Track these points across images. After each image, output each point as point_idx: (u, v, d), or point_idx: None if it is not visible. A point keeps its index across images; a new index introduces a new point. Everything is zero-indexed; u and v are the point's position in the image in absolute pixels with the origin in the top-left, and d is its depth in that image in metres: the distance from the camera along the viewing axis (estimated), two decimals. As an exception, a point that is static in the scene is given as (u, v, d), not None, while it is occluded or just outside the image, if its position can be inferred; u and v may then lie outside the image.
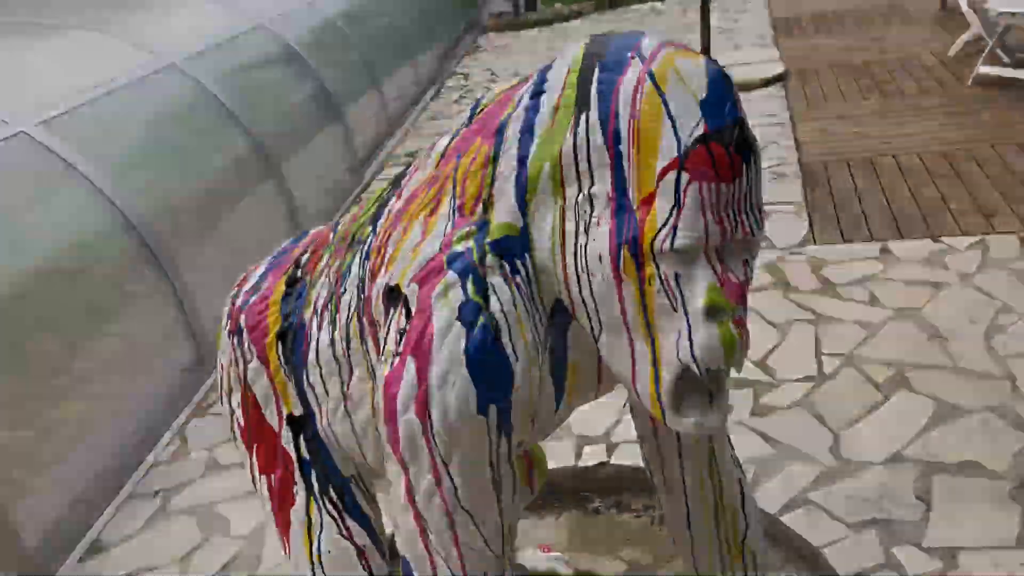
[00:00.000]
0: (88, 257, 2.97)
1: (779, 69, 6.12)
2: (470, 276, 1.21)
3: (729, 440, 1.74)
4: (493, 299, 1.21)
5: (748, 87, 5.90)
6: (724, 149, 1.11)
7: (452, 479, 1.27)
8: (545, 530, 2.36)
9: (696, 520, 1.74)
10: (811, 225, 3.75)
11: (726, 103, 1.13)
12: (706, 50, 6.26)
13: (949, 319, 2.88)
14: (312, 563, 1.59)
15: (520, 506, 1.43)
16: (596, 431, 2.60)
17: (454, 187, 1.29)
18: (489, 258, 1.22)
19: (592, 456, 2.50)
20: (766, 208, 3.66)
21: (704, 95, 1.13)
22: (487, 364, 1.20)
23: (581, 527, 2.35)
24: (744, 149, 1.13)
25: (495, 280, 1.22)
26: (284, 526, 1.62)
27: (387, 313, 1.30)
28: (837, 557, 2.01)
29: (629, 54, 1.17)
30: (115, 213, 3.02)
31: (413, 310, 1.24)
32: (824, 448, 2.38)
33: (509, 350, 1.21)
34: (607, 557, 2.22)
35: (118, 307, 3.00)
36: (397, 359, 1.24)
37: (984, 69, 5.20)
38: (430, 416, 1.22)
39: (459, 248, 1.24)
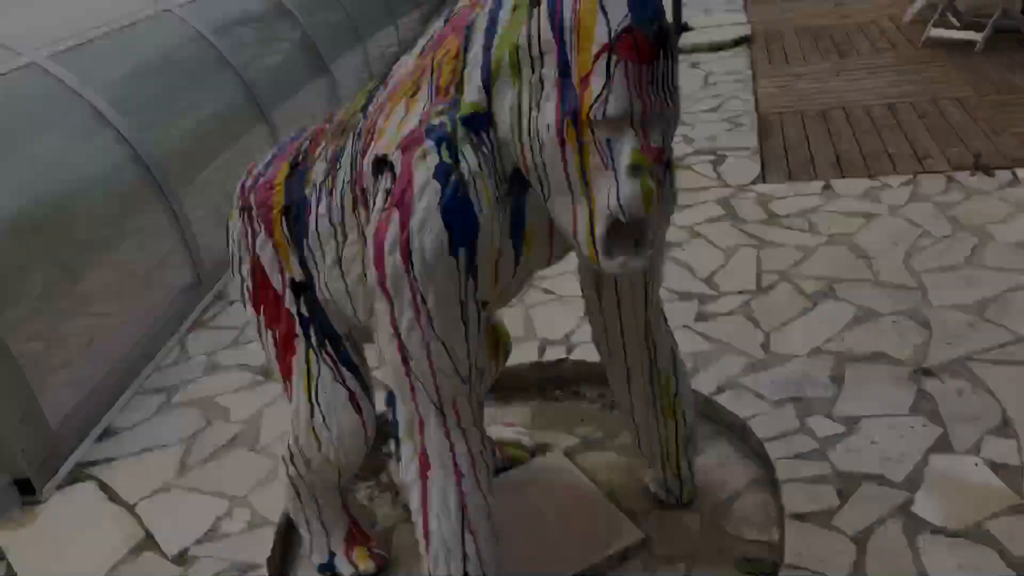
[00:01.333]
0: (97, 185, 3.23)
1: (746, 32, 6.42)
2: (444, 143, 1.51)
3: (665, 319, 2.05)
4: (462, 162, 1.51)
5: (719, 48, 6.22)
6: (645, 37, 1.40)
7: (428, 312, 1.57)
8: (512, 414, 2.68)
9: (635, 381, 2.06)
10: (763, 167, 4.07)
11: (649, 2, 1.42)
12: (677, 12, 6.56)
13: (876, 243, 3.21)
14: (311, 404, 1.89)
15: (484, 347, 1.70)
16: (557, 335, 2.91)
17: (431, 74, 1.59)
18: (460, 130, 1.52)
19: (553, 355, 2.81)
20: (724, 152, 4.02)
21: (630, -7, 1.42)
22: (457, 213, 1.50)
23: (543, 411, 2.67)
24: (661, 39, 1.42)
25: (464, 147, 1.52)
26: (287, 373, 1.93)
27: (376, 180, 1.60)
28: (759, 426, 2.34)
29: (566, -37, 1.46)
30: (122, 144, 3.27)
31: (397, 173, 1.53)
32: (756, 345, 2.71)
33: (475, 203, 1.51)
34: (564, 433, 2.54)
35: (125, 232, 3.27)
36: (384, 213, 1.54)
37: (935, 32, 5.53)
38: (411, 257, 1.52)
39: (435, 122, 1.53)
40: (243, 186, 1.91)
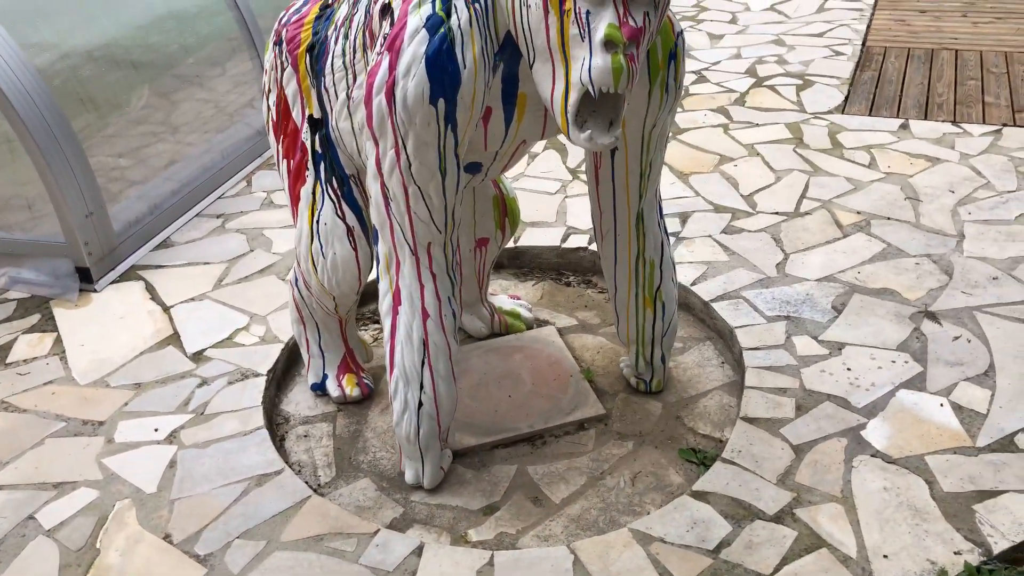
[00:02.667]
0: (203, 29, 3.45)
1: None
2: (436, -4, 1.61)
3: (661, 213, 2.12)
4: (453, 17, 1.60)
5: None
6: (628, -87, 1.44)
7: (408, 155, 1.70)
8: (522, 290, 2.82)
9: (620, 266, 2.16)
10: (846, 98, 3.94)
11: None
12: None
13: (931, 186, 3.13)
14: (311, 231, 2.08)
15: (464, 202, 1.82)
16: (584, 225, 3.00)
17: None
18: (455, -16, 1.61)
19: (575, 243, 2.91)
20: (813, 78, 3.91)
21: None
22: (440, 65, 1.60)
23: (551, 292, 2.80)
24: None
25: (458, 3, 1.61)
26: (295, 200, 2.11)
27: (381, 25, 1.71)
28: (745, 336, 2.40)
29: None
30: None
31: (395, 19, 1.64)
32: (771, 264, 2.73)
33: (459, 58, 1.61)
34: (564, 315, 2.67)
35: (219, 73, 3.50)
36: (378, 56, 1.66)
37: (1086, -17, 5.09)
38: (394, 99, 1.64)
39: (431, -25, 1.62)
40: (280, 21, 2.06)
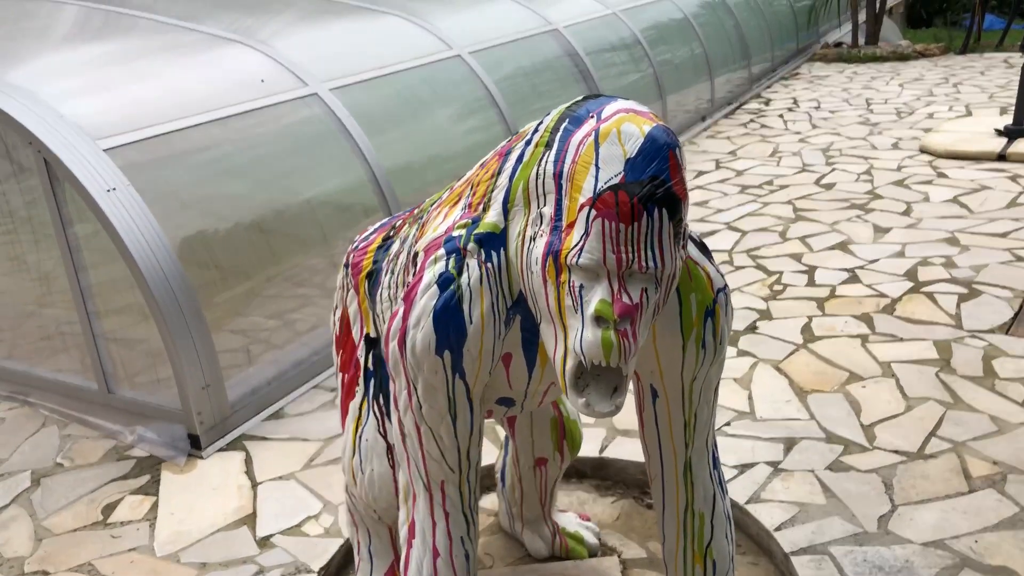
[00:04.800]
0: (342, 199, 3.78)
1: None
2: (454, 255, 1.65)
3: (716, 458, 1.98)
4: (464, 275, 1.64)
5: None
6: (629, 198, 1.42)
7: (419, 397, 1.72)
8: (600, 506, 2.69)
9: (668, 513, 2.02)
10: (1015, 316, 3.55)
11: (648, 165, 1.44)
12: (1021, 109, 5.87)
13: (1095, 440, 2.69)
14: (354, 445, 2.12)
15: (479, 443, 1.80)
16: (678, 441, 2.85)
17: (471, 189, 1.73)
18: (471, 245, 1.65)
19: (664, 460, 2.76)
20: (981, 287, 3.59)
21: (632, 155, 1.45)
22: (446, 320, 1.63)
23: (630, 514, 2.65)
24: (651, 203, 1.43)
25: (471, 262, 1.64)
26: (344, 413, 2.18)
27: (408, 271, 1.78)
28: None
29: (591, 113, 1.52)
30: (366, 168, 3.78)
31: (416, 270, 1.70)
32: (874, 516, 2.44)
33: (466, 314, 1.63)
34: (636, 544, 2.51)
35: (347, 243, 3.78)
36: (399, 303, 1.72)
37: None
38: (405, 347, 1.68)
39: (455, 233, 1.67)
40: (352, 246, 2.19)
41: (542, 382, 1.86)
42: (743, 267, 4.34)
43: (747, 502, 2.55)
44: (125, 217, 2.83)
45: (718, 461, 2.02)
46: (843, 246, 4.50)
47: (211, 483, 2.85)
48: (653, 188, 1.43)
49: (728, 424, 2.97)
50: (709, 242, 4.70)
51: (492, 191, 1.68)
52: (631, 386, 1.95)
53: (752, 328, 3.67)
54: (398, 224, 2.12)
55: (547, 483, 2.41)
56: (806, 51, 10.61)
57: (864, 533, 2.38)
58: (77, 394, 3.33)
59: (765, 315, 3.78)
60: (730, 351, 3.48)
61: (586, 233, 1.46)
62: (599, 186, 1.44)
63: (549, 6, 5.93)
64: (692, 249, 1.77)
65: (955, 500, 2.48)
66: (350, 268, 2.14)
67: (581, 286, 1.48)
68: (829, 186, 5.54)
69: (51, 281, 3.24)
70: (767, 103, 8.15)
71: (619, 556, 2.45)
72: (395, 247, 2.03)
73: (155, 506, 2.76)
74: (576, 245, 1.47)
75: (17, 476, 2.99)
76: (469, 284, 1.64)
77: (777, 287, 4.07)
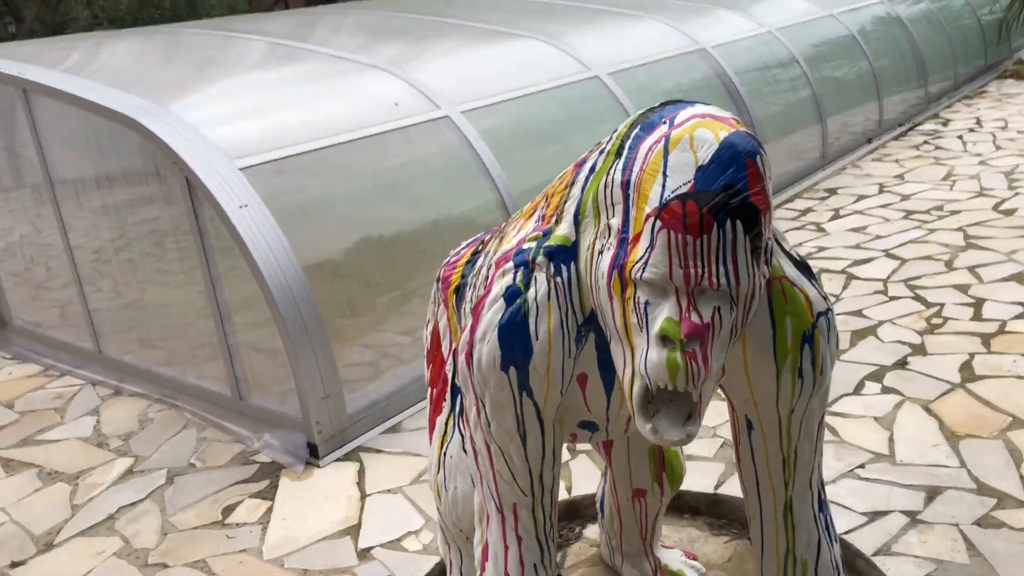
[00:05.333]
0: (470, 220, 3.80)
1: None
2: (522, 269, 1.59)
3: (823, 500, 1.80)
4: (531, 289, 1.57)
5: None
6: (698, 208, 1.31)
7: (487, 415, 1.66)
8: (711, 545, 2.52)
9: (767, 557, 1.85)
10: None
11: (722, 173, 1.32)
12: None
13: None
14: (439, 462, 2.09)
15: (554, 466, 1.70)
16: (802, 481, 2.63)
17: (545, 201, 1.66)
18: (540, 259, 1.58)
19: (785, 501, 2.55)
20: None
21: (704, 162, 1.33)
22: (511, 335, 1.57)
23: (742, 556, 2.46)
24: (723, 214, 1.31)
25: (539, 276, 1.57)
26: (431, 429, 2.15)
27: (480, 287, 1.74)
28: None
29: (664, 119, 1.42)
30: (495, 192, 3.80)
31: (488, 284, 1.65)
32: (1024, 581, 2.13)
33: (532, 330, 1.56)
34: (744, 588, 2.32)
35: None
36: (469, 316, 1.67)
37: None
38: (472, 362, 1.63)
39: (525, 247, 1.61)
40: (446, 260, 2.18)
41: (623, 406, 1.75)
42: (898, 297, 3.99)
43: (875, 554, 2.31)
44: (255, 233, 2.97)
45: (825, 504, 1.83)
46: (1019, 277, 4.04)
47: (323, 492, 2.92)
48: (726, 198, 1.31)
49: (862, 467, 2.71)
50: (863, 271, 4.36)
51: (565, 203, 1.61)
52: (728, 416, 1.81)
53: (902, 363, 3.35)
54: (487, 239, 2.09)
55: (647, 516, 2.28)
56: (996, 68, 9.75)
57: (1011, 600, 2.08)
58: (215, 400, 3.53)
59: (918, 350, 3.44)
60: (873, 387, 3.19)
61: (651, 246, 1.35)
62: (666, 195, 1.34)
63: (700, 27, 5.77)
64: (789, 268, 1.62)
65: None
66: (440, 282, 2.12)
67: (647, 303, 1.38)
68: (1009, 212, 5.02)
69: (204, 295, 3.45)
70: (945, 123, 7.53)
71: (725, 601, 2.27)
72: (480, 261, 1.99)
73: (270, 511, 2.85)
74: (641, 259, 1.37)
75: (155, 473, 3.19)
76: (536, 299, 1.57)
77: (936, 320, 3.70)
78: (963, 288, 4.00)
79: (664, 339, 1.35)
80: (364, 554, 2.57)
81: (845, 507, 2.51)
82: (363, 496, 2.86)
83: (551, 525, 1.78)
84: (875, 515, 2.47)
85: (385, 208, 3.52)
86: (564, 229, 1.59)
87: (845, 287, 4.19)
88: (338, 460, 3.11)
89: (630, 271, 1.39)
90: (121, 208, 3.67)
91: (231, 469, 3.15)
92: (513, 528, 1.75)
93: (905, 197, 5.55)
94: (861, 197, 5.66)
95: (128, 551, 2.74)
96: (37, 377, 4.24)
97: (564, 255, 1.58)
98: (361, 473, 3.00)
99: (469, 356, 1.64)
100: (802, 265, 1.66)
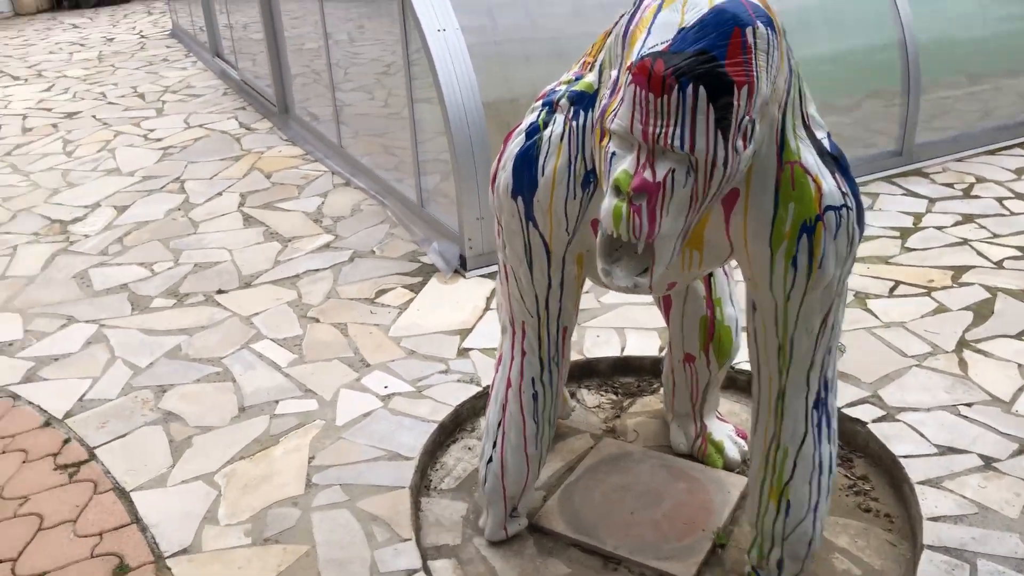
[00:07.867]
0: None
1: None
2: (546, 108, 1.72)
3: (824, 400, 1.83)
4: (548, 128, 1.71)
5: None
6: (664, 67, 1.36)
7: (504, 238, 1.86)
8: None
9: (757, 436, 1.91)
10: None
11: (701, 38, 1.35)
12: None
13: None
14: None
15: (561, 298, 1.84)
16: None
17: (592, 49, 1.75)
18: (563, 101, 1.70)
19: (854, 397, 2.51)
20: None
21: (687, 24, 1.37)
22: (522, 168, 1.73)
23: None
24: (686, 78, 1.34)
25: (558, 116, 1.70)
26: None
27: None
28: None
29: (680, -24, 1.44)
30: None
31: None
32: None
33: (540, 165, 1.71)
34: (778, 476, 2.36)
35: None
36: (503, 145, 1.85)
37: None
38: (494, 186, 1.82)
39: (558, 88, 1.74)
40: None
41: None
42: None
43: (920, 482, 2.24)
44: (446, 57, 3.26)
45: (825, 404, 1.85)
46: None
47: (457, 298, 3.30)
48: (695, 63, 1.34)
49: (969, 406, 2.54)
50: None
51: (600, 51, 1.69)
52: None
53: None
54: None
55: (698, 383, 2.37)
56: None
57: (1034, 562, 1.96)
58: (407, 204, 4.00)
59: None
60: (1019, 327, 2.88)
61: (622, 98, 1.43)
62: (643, 52, 1.39)
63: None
64: (808, 155, 1.59)
65: None
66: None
67: (614, 153, 1.47)
68: None
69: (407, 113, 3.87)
70: None
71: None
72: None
73: (410, 302, 3.29)
74: (615, 109, 1.45)
75: (344, 252, 3.76)
76: (550, 138, 1.70)
77: None
78: None
79: (617, 190, 1.45)
80: (462, 352, 2.92)
81: (923, 436, 2.42)
82: (486, 309, 3.20)
83: (556, 350, 1.97)
84: (949, 450, 2.35)
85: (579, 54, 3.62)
86: (591, 76, 1.69)
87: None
88: (480, 276, 3.45)
89: (607, 120, 1.48)
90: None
91: (399, 262, 3.63)
92: (519, 342, 1.98)
93: None
94: None
95: (297, 304, 3.33)
96: (296, 159, 5.01)
97: (586, 101, 1.69)
98: (493, 291, 3.33)
99: (494, 181, 1.83)
100: (834, 157, 1.63)
